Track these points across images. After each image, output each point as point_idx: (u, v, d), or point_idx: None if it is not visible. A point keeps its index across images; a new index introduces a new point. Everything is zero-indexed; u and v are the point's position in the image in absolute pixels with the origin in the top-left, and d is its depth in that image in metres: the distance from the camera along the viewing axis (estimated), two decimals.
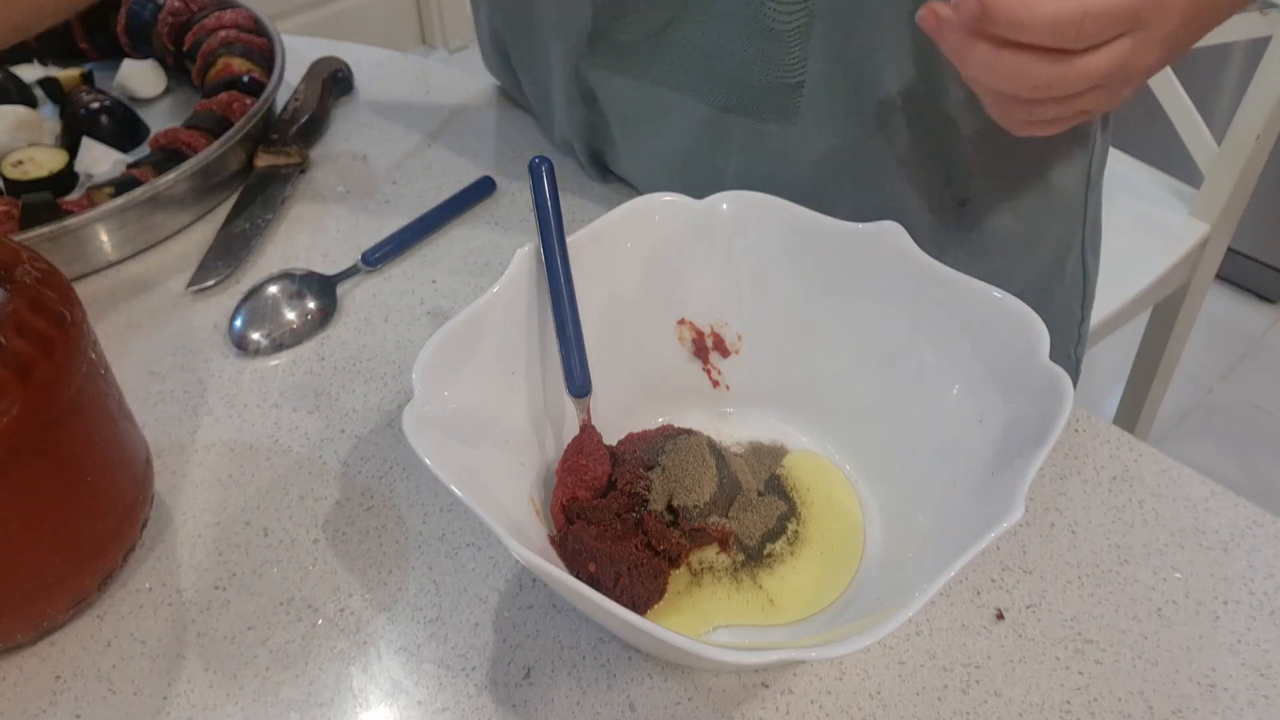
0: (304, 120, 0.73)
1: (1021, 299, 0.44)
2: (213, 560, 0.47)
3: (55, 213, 0.60)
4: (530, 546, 0.35)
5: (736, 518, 0.46)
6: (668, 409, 0.52)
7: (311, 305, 0.60)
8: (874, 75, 0.54)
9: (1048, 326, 0.43)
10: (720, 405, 0.53)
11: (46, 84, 0.77)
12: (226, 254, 0.64)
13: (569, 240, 0.47)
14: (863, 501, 0.48)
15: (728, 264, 0.51)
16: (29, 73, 0.79)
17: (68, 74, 0.77)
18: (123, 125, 0.73)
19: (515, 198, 0.70)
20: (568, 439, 0.48)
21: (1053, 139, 0.62)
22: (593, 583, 0.42)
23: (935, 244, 0.62)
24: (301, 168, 0.71)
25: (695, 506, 0.45)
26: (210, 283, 0.62)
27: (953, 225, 0.62)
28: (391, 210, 0.69)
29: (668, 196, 0.50)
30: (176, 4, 0.79)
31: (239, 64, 0.74)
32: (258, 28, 0.78)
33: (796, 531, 0.47)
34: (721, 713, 0.41)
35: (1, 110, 0.71)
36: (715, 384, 0.53)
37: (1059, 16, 0.37)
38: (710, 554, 0.45)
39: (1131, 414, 1.31)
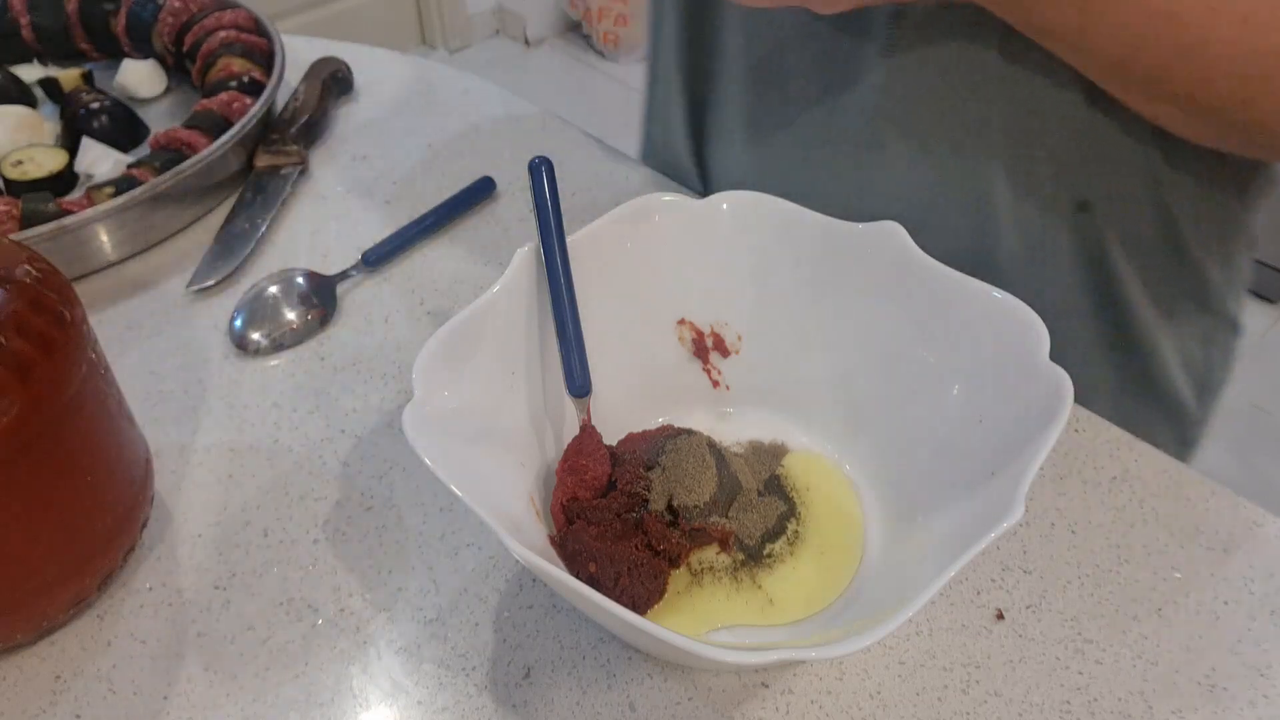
0: (304, 120, 0.73)
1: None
2: (213, 560, 0.47)
3: (55, 213, 0.60)
4: (530, 546, 0.35)
5: (736, 518, 0.46)
6: (668, 409, 0.52)
7: (311, 305, 0.60)
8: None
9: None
10: (720, 405, 0.53)
11: (46, 84, 0.77)
12: (226, 254, 0.64)
13: (569, 240, 0.47)
14: (863, 501, 0.48)
15: (728, 264, 0.51)
16: (29, 73, 0.79)
17: (68, 74, 0.77)
18: (123, 125, 0.73)
19: (515, 198, 0.70)
20: (568, 439, 0.48)
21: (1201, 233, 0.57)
22: (593, 583, 0.42)
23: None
24: (301, 168, 0.71)
25: (695, 506, 0.45)
26: (210, 283, 0.62)
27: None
28: (391, 210, 0.69)
29: (668, 196, 0.50)
30: (176, 4, 0.79)
31: (239, 64, 0.74)
32: (258, 28, 0.78)
33: (796, 531, 0.47)
34: (721, 713, 0.41)
35: (1, 110, 0.71)
36: (715, 384, 0.53)
37: None
38: (710, 554, 0.45)
39: None
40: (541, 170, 0.49)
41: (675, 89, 0.67)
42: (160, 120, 0.77)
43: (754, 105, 0.62)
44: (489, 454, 0.43)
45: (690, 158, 0.70)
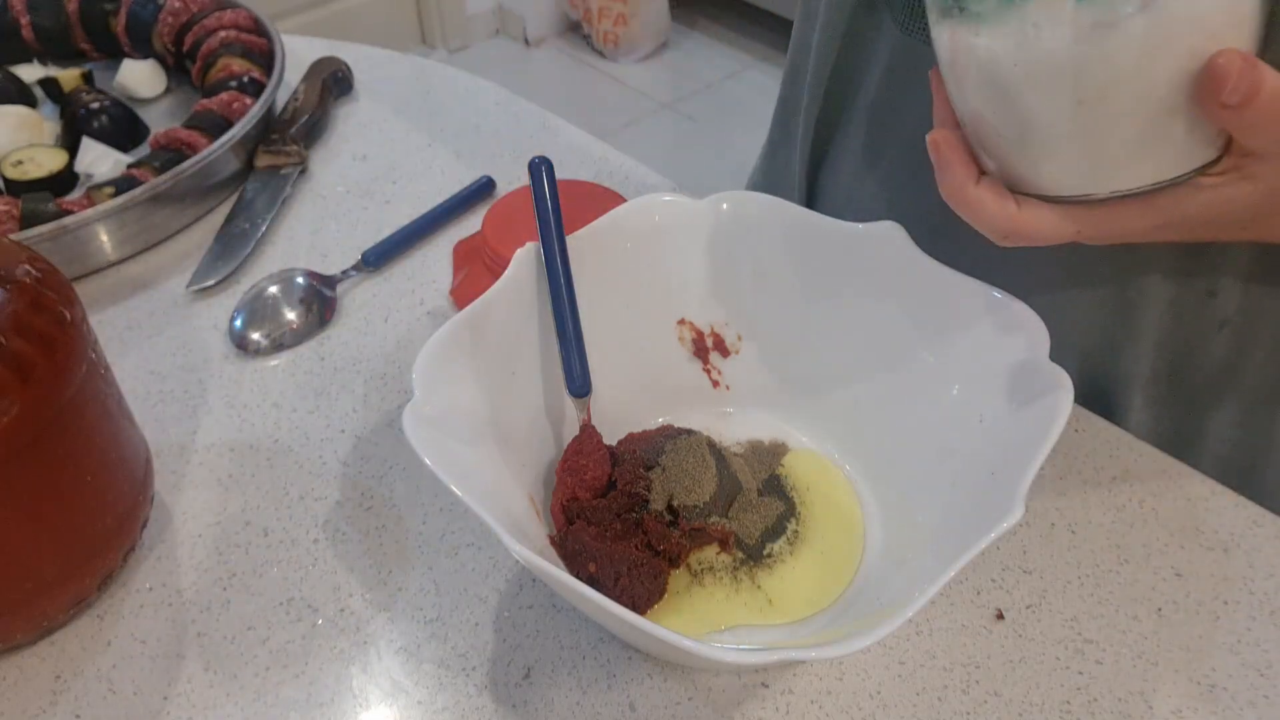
0: (304, 120, 0.73)
1: None
2: (213, 560, 0.47)
3: (55, 213, 0.60)
4: (530, 546, 0.35)
5: (736, 518, 0.46)
6: (668, 409, 0.52)
7: (311, 305, 0.60)
8: None
9: None
10: (720, 405, 0.53)
11: (46, 84, 0.77)
12: (226, 254, 0.64)
13: (569, 240, 0.47)
14: (863, 501, 0.48)
15: (728, 264, 0.51)
16: (29, 73, 0.79)
17: (68, 74, 0.77)
18: (123, 125, 0.73)
19: None
20: (568, 439, 0.48)
21: None
22: (593, 583, 0.42)
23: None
24: (301, 168, 0.71)
25: (695, 506, 0.45)
26: (210, 283, 0.62)
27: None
28: (391, 210, 0.69)
29: (668, 196, 0.50)
30: (176, 4, 0.79)
31: (239, 64, 0.74)
32: (258, 28, 0.78)
33: (796, 531, 0.47)
34: (721, 713, 0.41)
35: (2, 110, 0.71)
36: (715, 384, 0.53)
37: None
38: (710, 554, 0.45)
39: None
40: (541, 170, 0.49)
41: (806, 123, 0.63)
42: (160, 120, 0.77)
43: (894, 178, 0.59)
44: (489, 454, 0.43)
45: (803, 187, 0.67)
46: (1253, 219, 0.39)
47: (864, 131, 0.60)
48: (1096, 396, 0.55)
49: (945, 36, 0.38)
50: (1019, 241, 0.40)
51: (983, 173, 0.40)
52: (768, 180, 0.72)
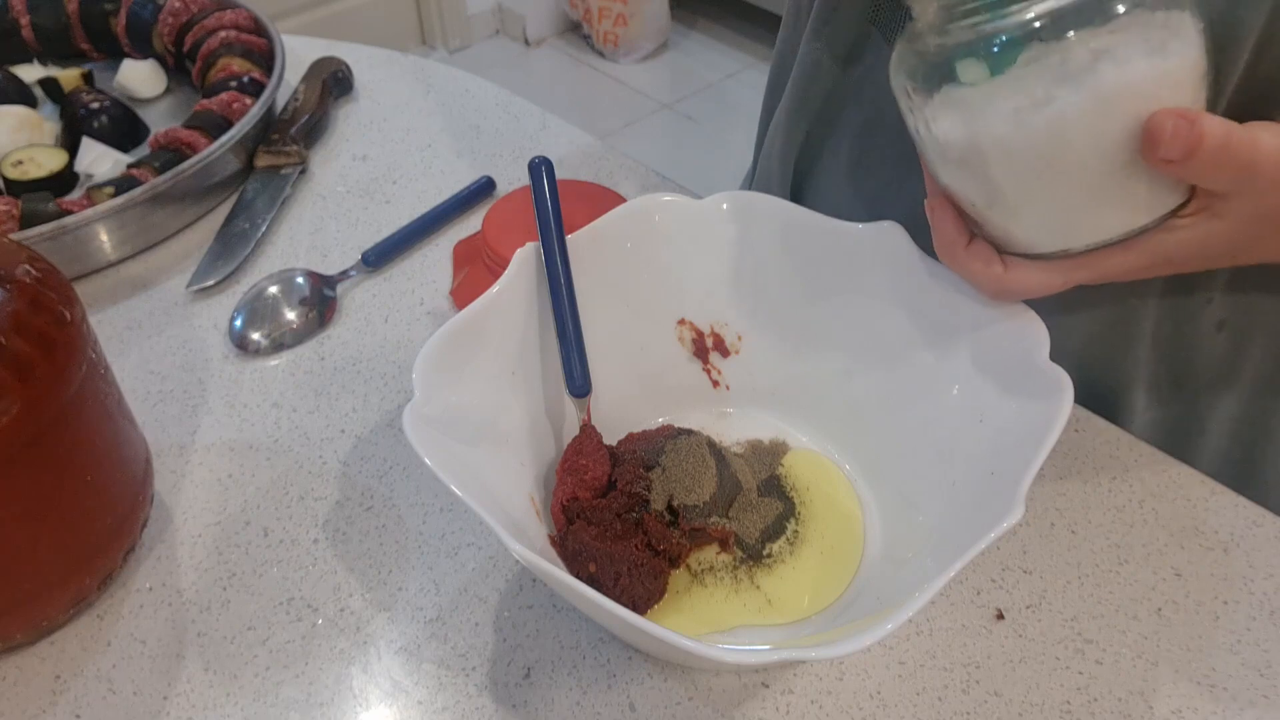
0: (304, 120, 0.73)
1: None
2: (213, 560, 0.47)
3: (55, 213, 0.60)
4: (530, 546, 0.35)
5: (736, 518, 0.46)
6: (668, 409, 0.52)
7: (311, 305, 0.60)
8: None
9: None
10: (720, 405, 0.53)
11: (46, 84, 0.77)
12: (226, 254, 0.64)
13: (569, 240, 0.47)
14: (863, 501, 0.48)
15: (728, 264, 0.51)
16: (29, 73, 0.79)
17: (68, 74, 0.77)
18: (123, 125, 0.73)
19: None
20: (568, 439, 0.48)
21: None
22: (593, 583, 0.42)
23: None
24: (301, 168, 0.71)
25: (695, 506, 0.45)
26: (210, 283, 0.62)
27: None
28: (391, 210, 0.69)
29: (667, 196, 0.50)
30: (176, 4, 0.79)
31: (239, 64, 0.74)
32: (258, 28, 0.78)
33: (796, 531, 0.47)
34: (721, 713, 0.41)
35: (1, 110, 0.71)
36: (715, 384, 0.53)
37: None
38: (710, 554, 0.45)
39: None
40: (541, 170, 0.49)
41: (787, 137, 0.64)
42: (160, 120, 0.77)
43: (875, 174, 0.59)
44: (489, 454, 0.43)
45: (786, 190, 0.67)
46: (1237, 250, 0.40)
47: (856, 148, 0.60)
48: (1096, 397, 0.55)
49: (910, 121, 0.40)
50: (1011, 298, 0.42)
51: (974, 235, 0.42)
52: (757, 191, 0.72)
